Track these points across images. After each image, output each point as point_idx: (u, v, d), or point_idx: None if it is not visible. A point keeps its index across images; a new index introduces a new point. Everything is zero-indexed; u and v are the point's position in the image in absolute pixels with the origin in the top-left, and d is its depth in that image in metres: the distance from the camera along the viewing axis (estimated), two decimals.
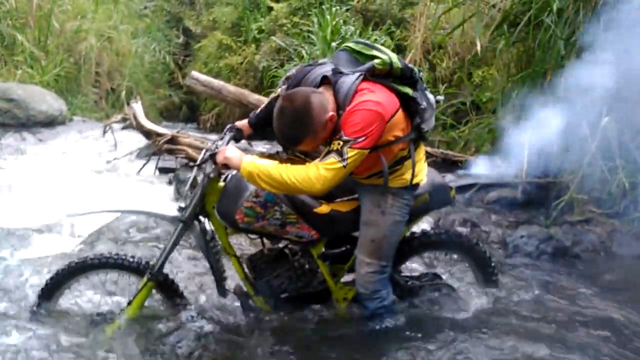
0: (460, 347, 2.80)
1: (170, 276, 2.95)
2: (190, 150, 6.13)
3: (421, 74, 2.72)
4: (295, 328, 2.92)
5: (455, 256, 3.30)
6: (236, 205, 2.77)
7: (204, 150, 2.84)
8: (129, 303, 2.84)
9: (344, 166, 2.43)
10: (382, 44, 8.20)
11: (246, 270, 2.96)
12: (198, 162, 2.72)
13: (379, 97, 2.50)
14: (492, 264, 3.19)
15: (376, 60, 2.58)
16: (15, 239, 4.37)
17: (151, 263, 2.85)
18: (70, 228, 4.65)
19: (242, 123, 3.12)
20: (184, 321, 2.93)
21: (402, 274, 3.17)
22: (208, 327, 2.93)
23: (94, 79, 10.50)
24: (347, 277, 3.08)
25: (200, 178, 2.78)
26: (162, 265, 2.82)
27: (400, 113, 2.58)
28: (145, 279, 2.81)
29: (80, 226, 4.64)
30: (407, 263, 3.27)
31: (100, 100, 10.48)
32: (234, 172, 2.82)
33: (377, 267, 2.79)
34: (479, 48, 5.87)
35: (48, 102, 8.40)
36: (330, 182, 2.46)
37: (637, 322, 3.19)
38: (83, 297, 3.11)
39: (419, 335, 2.90)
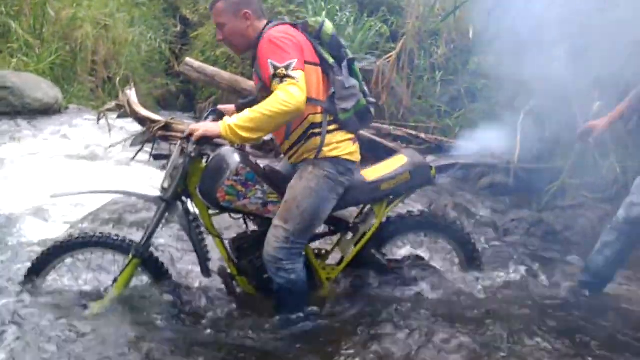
0: (438, 328, 2.81)
1: (155, 254, 2.98)
2: None
3: (356, 62, 2.93)
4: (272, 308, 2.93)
5: (436, 238, 3.32)
6: (217, 184, 2.79)
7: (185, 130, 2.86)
8: (115, 281, 2.88)
9: (299, 84, 2.55)
10: (378, 31, 8.22)
11: (229, 250, 2.98)
12: (183, 136, 2.73)
13: (291, 31, 2.74)
14: (474, 244, 3.22)
15: (310, 18, 2.86)
16: (9, 223, 4.38)
17: (136, 241, 2.88)
18: (62, 212, 4.67)
19: (225, 107, 3.16)
20: (169, 299, 2.95)
21: (385, 256, 3.18)
22: (192, 307, 2.97)
23: (90, 67, 10.46)
24: (330, 259, 3.12)
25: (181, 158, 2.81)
26: (146, 243, 2.86)
27: (316, 70, 2.76)
28: (130, 256, 2.85)
29: (72, 210, 4.66)
30: (389, 246, 3.29)
31: (96, 88, 10.44)
32: (217, 152, 2.86)
33: (282, 232, 2.75)
34: (471, 35, 5.87)
35: (43, 90, 8.40)
36: (300, 96, 2.54)
37: (623, 306, 3.21)
38: (69, 276, 3.11)
39: (398, 315, 2.90)
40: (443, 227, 3.17)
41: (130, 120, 7.15)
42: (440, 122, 7.38)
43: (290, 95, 2.52)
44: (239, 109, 3.06)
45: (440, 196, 5.19)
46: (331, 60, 2.78)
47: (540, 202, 4.72)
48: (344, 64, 2.83)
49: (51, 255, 2.92)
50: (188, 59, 7.37)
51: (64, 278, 3.09)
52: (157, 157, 6.52)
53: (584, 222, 4.49)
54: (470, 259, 3.21)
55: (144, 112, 6.64)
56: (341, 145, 2.79)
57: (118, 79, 9.12)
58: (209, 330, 2.87)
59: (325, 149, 2.76)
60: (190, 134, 2.65)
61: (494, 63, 6.64)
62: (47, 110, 8.29)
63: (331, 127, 2.77)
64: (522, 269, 3.61)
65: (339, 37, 2.89)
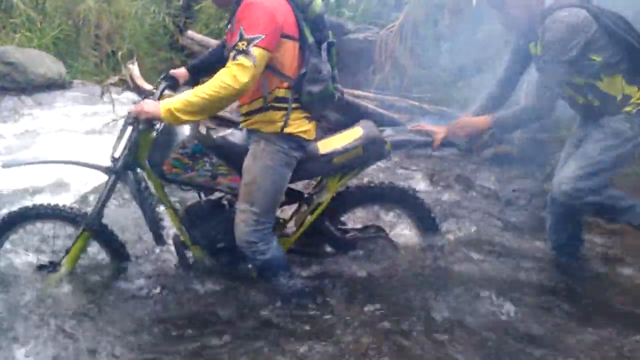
0: (389, 303, 2.85)
1: (109, 226, 3.00)
2: None
3: (332, 48, 2.82)
4: (227, 277, 3.01)
5: (394, 209, 3.33)
6: (164, 157, 2.81)
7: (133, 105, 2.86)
8: (67, 253, 2.91)
9: (254, 65, 2.47)
10: (381, 0, 8.12)
11: (182, 220, 3.00)
12: (126, 120, 2.74)
13: (274, 1, 2.60)
14: (433, 216, 3.20)
15: None
16: (11, 200, 4.41)
17: (87, 213, 2.91)
18: (71, 187, 4.70)
19: (178, 70, 3.13)
20: (123, 270, 3.04)
21: (341, 227, 3.18)
22: (146, 275, 3.06)
23: (93, 41, 10.40)
24: (286, 229, 3.14)
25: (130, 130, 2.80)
26: (97, 215, 2.88)
27: (294, 45, 2.68)
28: (80, 228, 2.87)
29: (81, 186, 4.67)
30: (348, 215, 3.31)
31: (100, 63, 10.38)
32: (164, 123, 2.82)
33: (250, 215, 2.75)
34: (474, 3, 5.78)
35: (47, 65, 8.39)
36: (245, 78, 2.47)
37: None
38: (24, 249, 3.18)
39: (350, 291, 2.96)
40: (400, 198, 3.15)
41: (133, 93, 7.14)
42: (445, 93, 7.33)
43: (232, 78, 2.47)
44: (191, 72, 3.09)
45: (443, 167, 5.18)
46: (311, 40, 2.71)
47: (544, 173, 4.68)
48: (324, 46, 2.76)
49: (1, 227, 2.96)
50: (190, 32, 7.35)
51: (18, 251, 3.14)
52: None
53: None
54: (429, 231, 3.20)
55: (148, 86, 6.61)
56: (295, 123, 2.75)
57: (120, 53, 9.06)
58: (160, 303, 2.94)
59: (279, 124, 2.72)
60: (135, 117, 2.65)
61: (501, 32, 6.57)
62: (51, 86, 8.29)
63: (293, 105, 2.72)
64: (504, 239, 3.64)
65: (325, 16, 2.82)
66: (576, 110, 3.18)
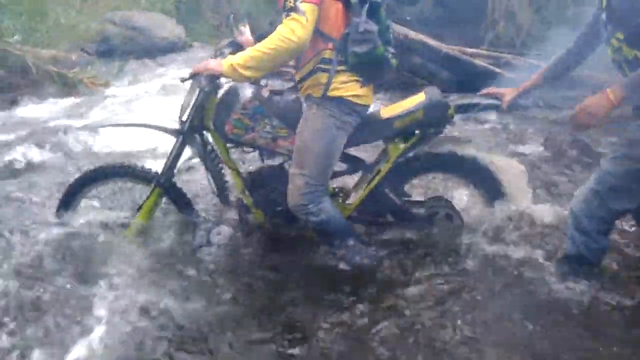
0: (455, 284, 2.75)
1: (178, 184, 3.10)
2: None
3: (380, 9, 2.74)
4: (288, 239, 3.06)
5: (460, 178, 3.17)
6: (226, 117, 2.86)
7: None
8: (139, 209, 3.05)
9: (306, 19, 2.49)
10: None
11: (245, 183, 3.04)
12: (187, 77, 2.77)
13: None
14: (501, 189, 2.98)
15: None
16: (136, 159, 4.65)
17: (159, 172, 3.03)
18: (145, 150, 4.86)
19: (244, 38, 3.14)
20: (191, 226, 3.13)
21: (404, 197, 3.08)
22: (213, 232, 3.16)
23: (213, 4, 10.71)
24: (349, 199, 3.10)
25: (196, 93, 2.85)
26: (167, 173, 2.99)
27: (336, 5, 2.64)
28: (152, 185, 3.00)
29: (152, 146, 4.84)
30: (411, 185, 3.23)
31: (219, 25, 10.69)
32: (229, 85, 2.88)
33: (300, 178, 2.76)
34: None
35: (168, 28, 8.76)
36: (301, 32, 2.49)
37: None
38: (99, 206, 3.37)
39: (406, 260, 2.92)
40: (474, 169, 2.97)
41: None
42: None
43: (290, 31, 2.49)
44: (257, 40, 3.01)
45: (561, 131, 4.87)
46: (354, 0, 2.65)
47: None
48: (366, 6, 2.67)
49: (78, 186, 3.12)
50: None
51: (94, 208, 3.31)
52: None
53: None
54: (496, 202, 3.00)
55: None
56: (344, 86, 2.70)
57: (232, 15, 9.26)
58: (225, 254, 3.05)
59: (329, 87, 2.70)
60: (196, 73, 2.71)
61: None
62: (172, 48, 8.67)
63: (339, 67, 2.68)
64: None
65: None
66: None
